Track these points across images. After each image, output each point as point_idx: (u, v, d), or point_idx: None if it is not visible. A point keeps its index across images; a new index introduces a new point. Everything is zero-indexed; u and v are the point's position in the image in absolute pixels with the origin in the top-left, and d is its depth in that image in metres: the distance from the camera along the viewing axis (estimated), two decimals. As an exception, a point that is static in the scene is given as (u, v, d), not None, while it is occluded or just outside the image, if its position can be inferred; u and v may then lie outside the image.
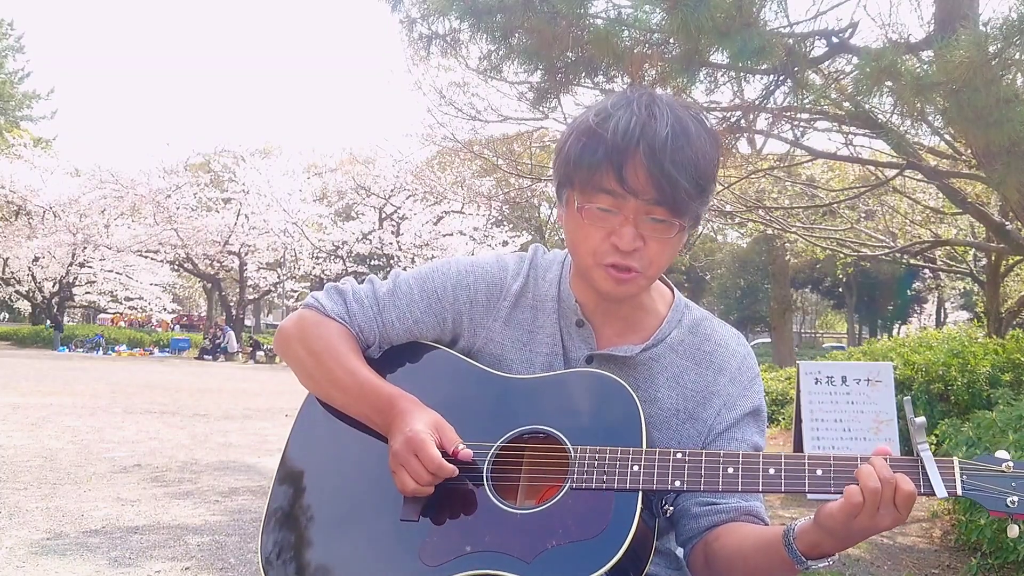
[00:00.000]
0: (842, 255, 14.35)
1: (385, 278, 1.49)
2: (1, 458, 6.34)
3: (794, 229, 12.59)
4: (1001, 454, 1.12)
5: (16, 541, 4.16)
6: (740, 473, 1.16)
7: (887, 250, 12.49)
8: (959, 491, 1.09)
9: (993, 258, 11.62)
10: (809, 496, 5.57)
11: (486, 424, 1.29)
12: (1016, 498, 1.07)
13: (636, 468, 1.17)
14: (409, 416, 1.27)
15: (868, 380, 6.05)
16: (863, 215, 13.40)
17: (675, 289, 1.47)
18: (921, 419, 1.13)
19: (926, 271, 25.00)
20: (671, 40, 4.55)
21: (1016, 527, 1.08)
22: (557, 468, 1.23)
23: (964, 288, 24.97)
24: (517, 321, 1.41)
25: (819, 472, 1.13)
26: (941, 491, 1.09)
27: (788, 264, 26.86)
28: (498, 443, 1.27)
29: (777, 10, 4.57)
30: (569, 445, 1.23)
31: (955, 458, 1.11)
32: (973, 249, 12.89)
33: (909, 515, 1.10)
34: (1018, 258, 10.68)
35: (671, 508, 1.31)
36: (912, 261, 15.17)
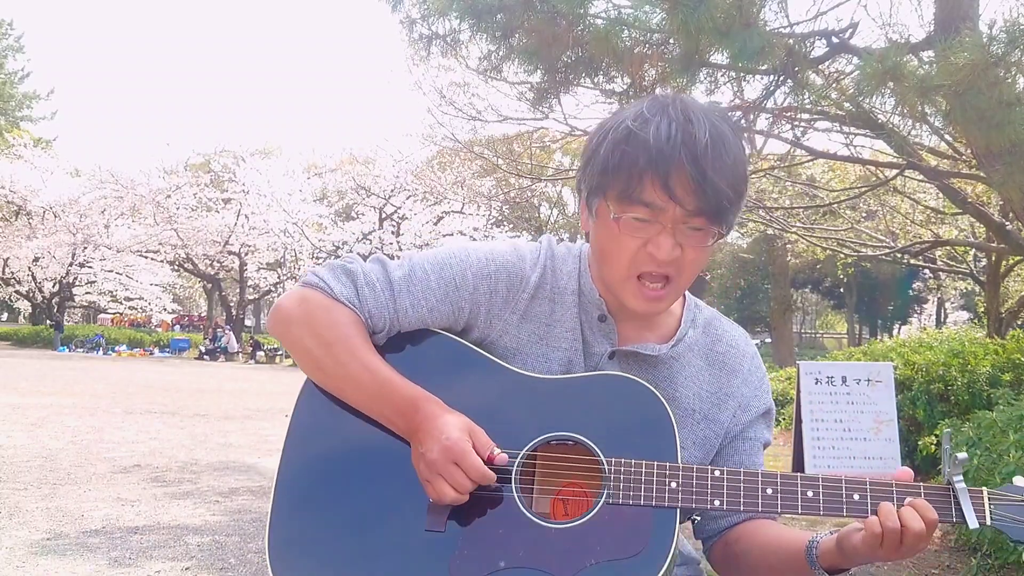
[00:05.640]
0: (842, 255, 14.35)
1: (399, 258, 1.42)
2: (1, 458, 6.34)
3: (794, 229, 12.59)
4: (1019, 480, 1.15)
5: (16, 541, 4.15)
6: (779, 495, 1.16)
7: (887, 250, 12.48)
8: (988, 521, 1.12)
9: (993, 258, 11.61)
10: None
11: (512, 428, 1.23)
12: None
13: (674, 485, 1.16)
14: (439, 421, 1.20)
15: (868, 380, 6.02)
16: (864, 215, 13.40)
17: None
18: (964, 455, 1.16)
19: (926, 271, 24.99)
20: (671, 40, 4.55)
21: None
22: (585, 478, 1.21)
23: (964, 288, 24.96)
24: (535, 314, 1.35)
25: (856, 497, 1.15)
26: (973, 523, 1.12)
27: (788, 264, 26.87)
28: (525, 450, 1.22)
29: (777, 10, 4.58)
30: (602, 456, 1.19)
31: (984, 489, 1.15)
32: (973, 249, 12.89)
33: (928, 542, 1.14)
34: (1018, 258, 10.67)
35: (699, 516, 1.32)
36: (912, 261, 15.16)
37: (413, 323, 1.34)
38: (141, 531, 4.51)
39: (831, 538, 1.18)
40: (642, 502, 1.15)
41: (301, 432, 1.32)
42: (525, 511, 1.18)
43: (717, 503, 1.15)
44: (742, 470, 1.19)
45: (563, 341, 1.34)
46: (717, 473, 1.17)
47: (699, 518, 1.33)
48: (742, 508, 1.16)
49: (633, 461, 1.17)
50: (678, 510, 1.15)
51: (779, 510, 1.16)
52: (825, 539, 1.19)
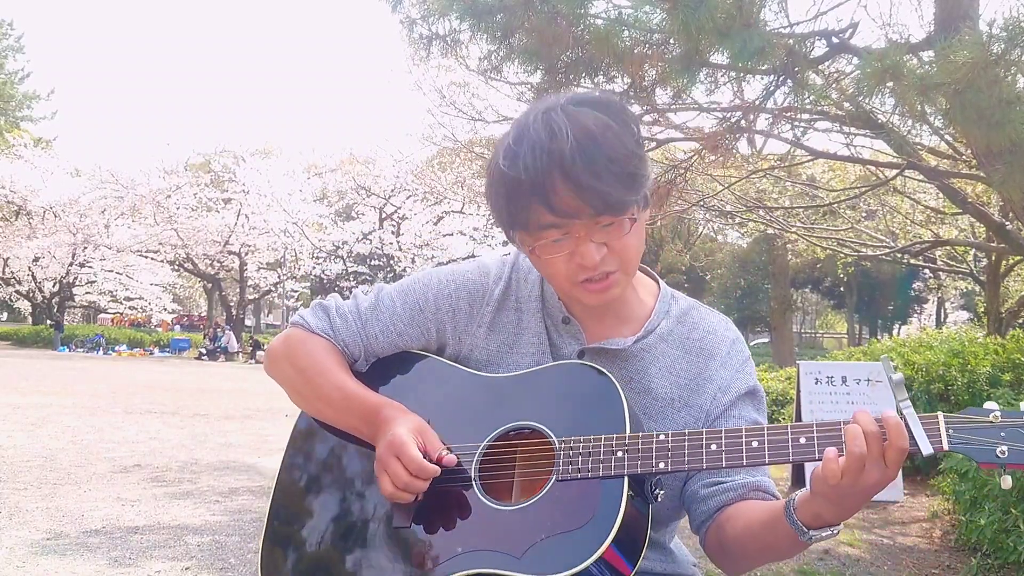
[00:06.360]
0: (842, 255, 14.37)
1: (369, 290, 1.52)
2: (1, 458, 6.34)
3: (794, 229, 12.59)
4: (989, 405, 1.08)
5: (16, 541, 4.15)
6: (723, 449, 1.16)
7: (887, 250, 12.49)
8: (945, 445, 1.06)
9: (993, 258, 11.63)
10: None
11: (473, 425, 1.30)
12: (1006, 447, 1.03)
13: (620, 454, 1.18)
14: (393, 423, 1.29)
15: (868, 380, 6.05)
16: (864, 215, 13.40)
17: (659, 280, 1.47)
18: (899, 375, 1.11)
19: (926, 271, 25.00)
20: (671, 40, 4.55)
21: (1009, 478, 1.05)
22: (546, 462, 1.25)
23: (964, 288, 24.96)
24: (501, 325, 1.42)
25: (802, 440, 1.12)
26: (927, 447, 1.06)
27: (788, 264, 26.88)
28: (484, 443, 1.29)
29: (777, 10, 4.58)
30: (553, 437, 1.24)
31: (940, 413, 1.09)
32: (973, 249, 12.90)
33: (897, 473, 1.08)
34: (1018, 258, 10.68)
35: (661, 492, 1.30)
36: (912, 261, 15.16)
37: (386, 348, 1.46)
38: (141, 531, 4.51)
39: (806, 489, 1.17)
40: (590, 475, 1.18)
41: (296, 451, 1.46)
42: (484, 499, 1.23)
43: (662, 465, 1.17)
44: (687, 431, 1.20)
45: (531, 347, 1.40)
46: (662, 437, 1.19)
47: (661, 492, 1.29)
48: (687, 467, 1.17)
49: (582, 438, 1.21)
50: (625, 477, 1.17)
51: (724, 464, 1.16)
52: (802, 492, 1.17)
